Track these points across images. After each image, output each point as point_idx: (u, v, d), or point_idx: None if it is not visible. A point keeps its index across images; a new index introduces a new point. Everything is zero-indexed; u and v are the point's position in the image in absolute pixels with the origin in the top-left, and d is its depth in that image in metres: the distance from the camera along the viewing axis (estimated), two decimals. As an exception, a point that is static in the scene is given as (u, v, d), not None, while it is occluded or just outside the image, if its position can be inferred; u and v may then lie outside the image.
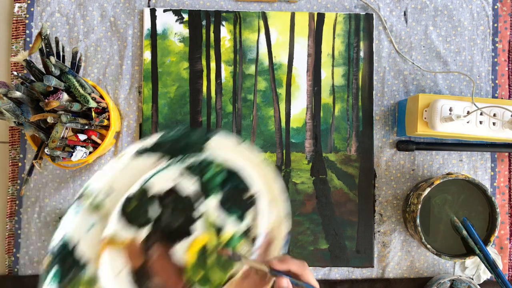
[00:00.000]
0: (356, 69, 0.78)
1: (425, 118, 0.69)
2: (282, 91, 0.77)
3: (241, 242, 0.60)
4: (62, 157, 0.65)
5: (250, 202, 0.60)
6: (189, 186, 0.59)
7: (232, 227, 0.60)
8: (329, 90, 0.77)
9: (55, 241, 0.56)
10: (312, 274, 0.51)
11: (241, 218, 0.60)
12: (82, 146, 0.66)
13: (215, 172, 0.60)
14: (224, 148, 0.60)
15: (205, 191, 0.59)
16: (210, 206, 0.59)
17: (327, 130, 0.77)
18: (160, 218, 0.59)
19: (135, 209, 0.58)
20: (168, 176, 0.59)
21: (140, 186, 0.58)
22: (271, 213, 0.59)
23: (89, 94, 0.65)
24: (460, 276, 0.74)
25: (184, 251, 0.59)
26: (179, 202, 0.59)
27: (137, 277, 0.59)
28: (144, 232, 0.58)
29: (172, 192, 0.59)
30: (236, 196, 0.60)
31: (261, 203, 0.60)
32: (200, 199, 0.59)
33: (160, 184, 0.59)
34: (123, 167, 0.58)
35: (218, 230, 0.59)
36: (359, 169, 0.77)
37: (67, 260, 0.57)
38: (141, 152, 0.59)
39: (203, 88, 0.77)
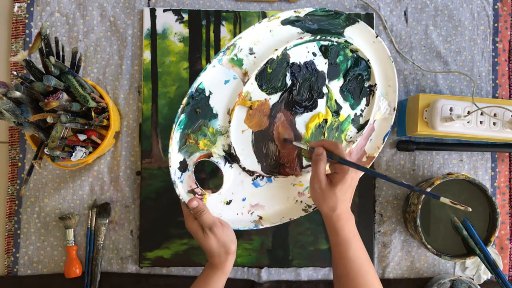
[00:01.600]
0: (357, 68, 0.78)
1: (425, 118, 0.69)
2: (282, 91, 0.77)
3: (350, 126, 0.67)
4: (61, 157, 0.65)
5: (368, 91, 0.67)
6: (322, 64, 0.64)
7: (346, 111, 0.66)
8: (329, 90, 0.78)
9: (194, 85, 0.58)
10: (343, 149, 0.58)
11: (354, 105, 0.67)
12: (81, 146, 0.66)
13: (346, 57, 0.64)
14: (359, 37, 0.64)
15: (332, 74, 0.65)
16: (334, 88, 0.65)
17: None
18: (291, 88, 0.63)
19: (272, 73, 0.62)
20: (306, 51, 0.63)
21: (282, 52, 0.61)
22: (382, 105, 0.67)
23: (89, 94, 0.65)
24: (460, 276, 0.74)
25: (305, 123, 0.65)
26: (310, 77, 0.63)
27: (258, 139, 0.63)
28: (275, 97, 0.63)
29: (306, 66, 0.63)
30: (357, 83, 0.66)
31: (376, 94, 0.66)
32: (327, 80, 0.64)
33: (298, 56, 0.62)
34: (270, 30, 0.61)
35: (336, 111, 0.66)
36: (359, 169, 0.77)
37: (201, 105, 0.59)
38: (287, 22, 0.61)
39: (203, 88, 0.77)
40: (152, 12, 0.77)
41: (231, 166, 0.63)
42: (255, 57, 0.60)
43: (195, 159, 0.61)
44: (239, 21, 0.77)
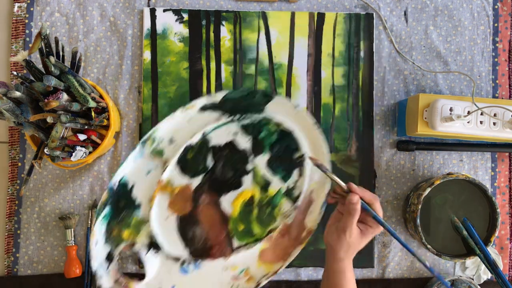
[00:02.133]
0: (356, 69, 0.78)
1: (425, 118, 0.69)
2: (282, 91, 0.77)
3: (283, 200, 0.65)
4: (61, 157, 0.65)
5: (298, 162, 0.65)
6: (244, 142, 0.64)
7: (277, 185, 0.65)
8: (329, 90, 0.77)
9: (115, 180, 0.59)
10: (380, 207, 0.57)
11: (286, 177, 0.65)
12: (81, 146, 0.66)
13: (269, 132, 0.64)
14: (281, 111, 0.65)
15: (257, 149, 0.64)
16: (260, 163, 0.65)
17: (327, 130, 0.77)
18: (213, 169, 0.64)
19: (192, 158, 0.63)
20: (227, 132, 0.64)
21: (201, 137, 0.62)
22: (315, 175, 0.65)
23: (89, 94, 0.65)
24: (460, 276, 0.74)
25: (230, 203, 0.65)
26: (233, 156, 0.64)
27: (183, 224, 0.64)
28: (197, 181, 0.63)
29: (228, 147, 0.64)
30: (285, 155, 0.65)
31: (307, 164, 0.65)
32: (251, 156, 0.64)
33: (219, 138, 0.64)
34: (189, 119, 0.62)
35: (264, 187, 0.65)
36: (359, 169, 0.77)
37: (123, 198, 0.61)
38: (206, 108, 0.63)
39: (203, 88, 0.77)
40: (152, 12, 0.77)
41: (156, 253, 0.63)
42: (175, 145, 0.62)
43: (120, 249, 0.62)
44: (239, 21, 0.77)
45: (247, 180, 0.65)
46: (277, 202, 0.65)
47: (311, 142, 0.65)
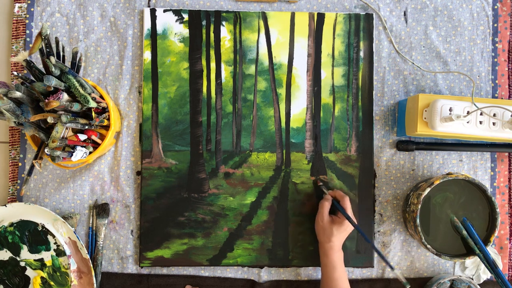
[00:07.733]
0: (356, 69, 0.78)
1: (425, 118, 0.69)
2: (282, 91, 0.77)
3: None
4: (62, 157, 0.65)
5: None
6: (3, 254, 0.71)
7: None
8: (329, 90, 0.78)
9: None
10: (348, 203, 0.70)
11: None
12: (82, 146, 0.66)
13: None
14: None
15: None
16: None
17: (327, 130, 0.77)
18: None
19: None
20: None
21: None
22: None
23: (89, 94, 0.65)
24: (460, 276, 0.74)
25: None
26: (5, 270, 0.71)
27: None
28: None
29: None
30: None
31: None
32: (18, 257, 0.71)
33: None
34: None
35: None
36: (359, 169, 0.77)
37: None
38: None
39: (203, 88, 0.77)
40: (152, 12, 0.77)
41: None
42: None
43: None
44: (239, 22, 0.78)
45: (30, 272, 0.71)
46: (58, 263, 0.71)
47: None
